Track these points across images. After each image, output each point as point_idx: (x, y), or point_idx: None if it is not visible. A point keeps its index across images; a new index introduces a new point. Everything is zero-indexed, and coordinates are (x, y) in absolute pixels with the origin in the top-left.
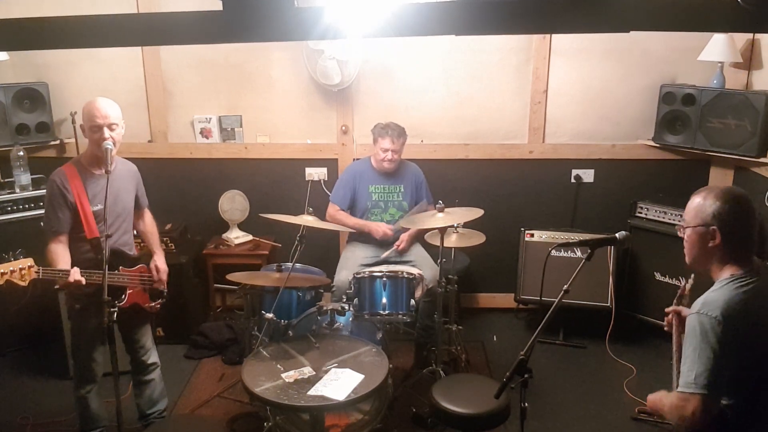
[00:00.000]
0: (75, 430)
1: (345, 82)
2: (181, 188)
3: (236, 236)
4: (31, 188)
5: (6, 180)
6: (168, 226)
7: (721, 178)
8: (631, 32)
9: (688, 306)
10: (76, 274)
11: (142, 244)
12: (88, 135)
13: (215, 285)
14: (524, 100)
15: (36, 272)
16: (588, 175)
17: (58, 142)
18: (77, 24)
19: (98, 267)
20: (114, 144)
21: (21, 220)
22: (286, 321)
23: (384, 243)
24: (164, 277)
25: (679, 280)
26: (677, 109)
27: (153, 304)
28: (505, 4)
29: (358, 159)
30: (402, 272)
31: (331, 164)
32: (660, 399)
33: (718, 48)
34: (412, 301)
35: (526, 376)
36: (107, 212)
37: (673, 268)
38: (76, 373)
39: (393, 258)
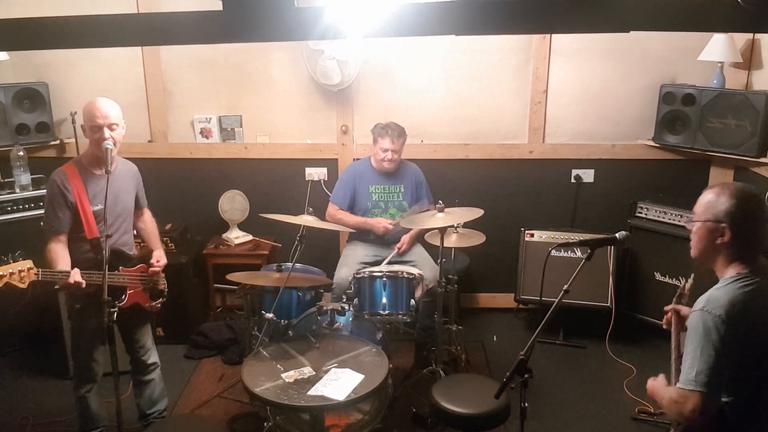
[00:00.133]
0: (75, 430)
1: (345, 82)
2: (181, 188)
3: (236, 236)
4: (31, 188)
5: (6, 180)
6: (168, 226)
7: (721, 178)
8: (631, 32)
9: (688, 305)
10: (76, 276)
11: (142, 244)
12: (88, 135)
13: (215, 285)
14: (524, 100)
15: (35, 274)
16: (588, 175)
17: (58, 142)
18: (77, 24)
19: (98, 267)
20: (114, 144)
21: (21, 220)
22: (286, 321)
23: (385, 241)
24: (163, 262)
25: (679, 280)
26: (677, 109)
27: (153, 303)
28: (505, 4)
29: (358, 159)
30: (402, 272)
31: (331, 164)
32: (660, 389)
33: (718, 48)
34: (412, 301)
35: (526, 376)
36: (107, 212)
37: (673, 268)
38: (76, 373)
39: (394, 258)
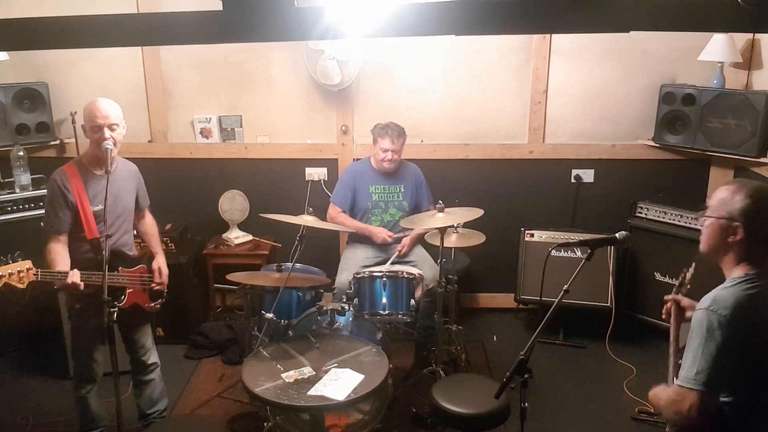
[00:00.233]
0: (75, 430)
1: (345, 82)
2: (181, 188)
3: (236, 236)
4: (31, 188)
5: (6, 180)
6: (168, 226)
7: (721, 178)
8: (631, 32)
9: (688, 295)
10: (74, 277)
11: (142, 245)
12: (89, 135)
13: (215, 285)
14: (524, 100)
15: (34, 274)
16: (588, 175)
17: (58, 142)
18: (77, 24)
19: (98, 267)
20: (114, 144)
21: (21, 220)
22: (286, 321)
23: (384, 245)
24: (165, 280)
25: None
26: (677, 109)
27: (153, 304)
28: (505, 4)
29: (358, 159)
30: (402, 272)
31: (331, 164)
32: (659, 391)
33: (718, 48)
34: (412, 301)
35: (526, 376)
36: (107, 212)
37: (673, 268)
38: (76, 373)
39: (394, 260)
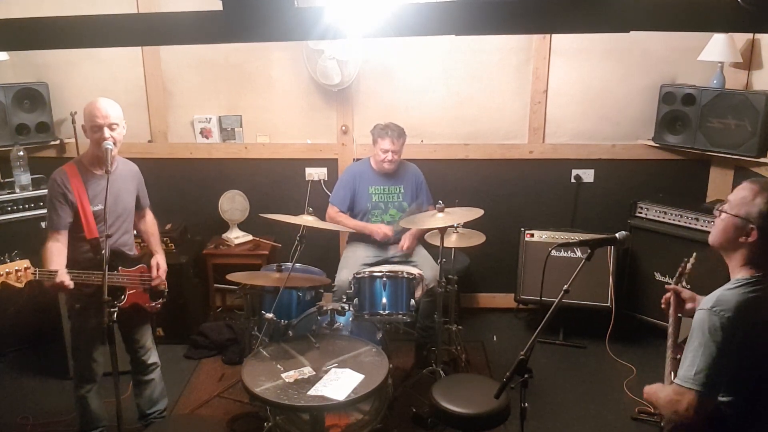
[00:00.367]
0: (75, 430)
1: (345, 82)
2: (181, 188)
3: (236, 236)
4: (31, 188)
5: (6, 180)
6: (168, 226)
7: (721, 178)
8: (631, 32)
9: (688, 285)
10: (62, 276)
11: (142, 244)
12: (89, 135)
13: (215, 285)
14: (524, 100)
15: (32, 273)
16: (588, 175)
17: (58, 142)
18: (77, 24)
19: (98, 267)
20: (115, 144)
21: (21, 220)
22: (286, 321)
23: (385, 243)
24: (164, 275)
25: None
26: (677, 109)
27: (153, 303)
28: (505, 4)
29: (358, 159)
30: (402, 272)
31: (331, 164)
32: (656, 391)
33: (718, 48)
34: (412, 301)
35: (526, 376)
36: (107, 212)
37: (673, 268)
38: (76, 373)
39: (396, 258)
